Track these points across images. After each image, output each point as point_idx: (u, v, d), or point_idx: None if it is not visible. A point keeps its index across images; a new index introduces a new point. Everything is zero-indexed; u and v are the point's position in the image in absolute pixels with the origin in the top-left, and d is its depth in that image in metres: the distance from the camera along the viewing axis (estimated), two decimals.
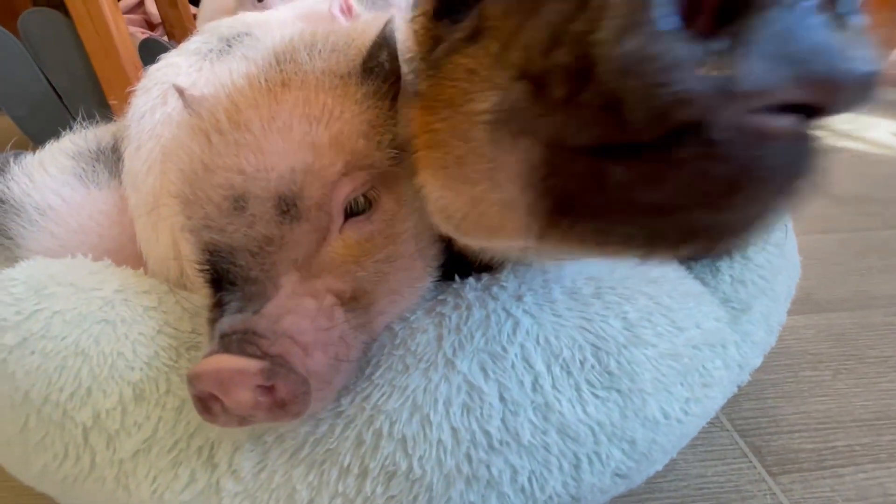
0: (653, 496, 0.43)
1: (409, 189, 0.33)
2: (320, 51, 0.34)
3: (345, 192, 0.28)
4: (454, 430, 0.30)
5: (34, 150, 0.50)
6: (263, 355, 0.24)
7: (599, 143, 0.16)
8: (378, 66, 0.32)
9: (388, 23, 0.34)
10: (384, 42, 0.33)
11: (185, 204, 0.28)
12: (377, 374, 0.31)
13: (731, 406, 0.51)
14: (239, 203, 0.26)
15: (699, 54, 0.14)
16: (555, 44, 0.16)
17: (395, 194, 0.31)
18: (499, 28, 0.20)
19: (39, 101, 1.33)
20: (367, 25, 0.44)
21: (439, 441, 0.29)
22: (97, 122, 0.56)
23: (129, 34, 1.77)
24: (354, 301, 0.29)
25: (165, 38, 1.70)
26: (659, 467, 0.39)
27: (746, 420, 0.50)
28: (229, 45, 0.56)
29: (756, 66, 0.14)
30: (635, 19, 0.14)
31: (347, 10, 0.73)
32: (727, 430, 0.49)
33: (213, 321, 0.26)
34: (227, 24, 0.61)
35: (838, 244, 0.81)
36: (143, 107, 0.46)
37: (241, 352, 0.24)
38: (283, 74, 0.30)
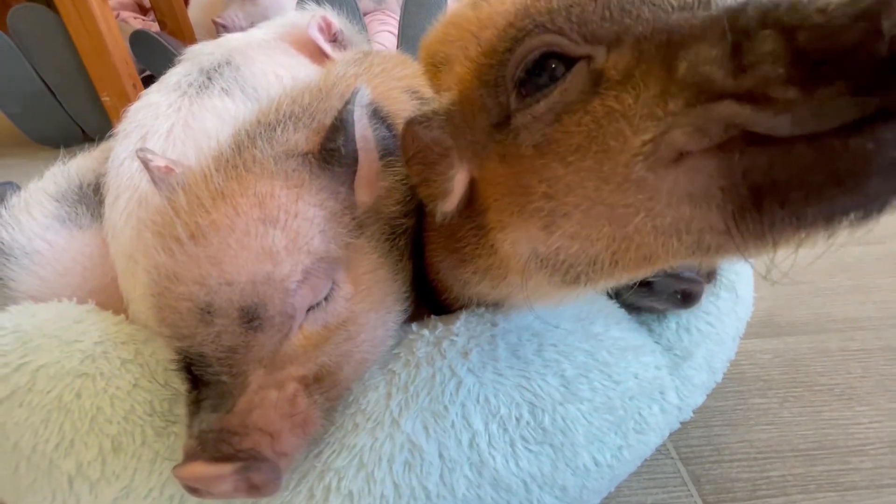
0: None
1: (364, 267, 0.35)
2: (281, 130, 0.36)
3: (307, 300, 0.31)
4: (396, 485, 0.33)
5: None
6: (237, 452, 0.28)
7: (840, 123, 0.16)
8: (336, 149, 0.34)
9: (348, 102, 0.35)
10: (341, 125, 0.34)
11: (155, 309, 0.30)
12: (329, 433, 0.35)
13: (680, 434, 0.54)
14: (205, 315, 0.28)
15: None
16: (753, 63, 0.17)
17: (352, 276, 0.34)
18: (637, 76, 0.21)
19: (33, 97, 1.33)
20: (335, 82, 0.46)
21: (382, 495, 0.33)
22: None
23: (122, 20, 1.76)
24: (319, 382, 0.32)
25: (157, 28, 1.68)
26: (596, 502, 0.43)
27: (692, 448, 0.53)
28: (209, 78, 0.58)
29: None
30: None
31: (326, 28, 0.73)
32: (672, 459, 0.52)
33: (192, 412, 0.30)
34: (209, 52, 0.63)
35: (810, 261, 0.83)
36: (123, 153, 0.48)
37: (217, 452, 0.27)
38: (238, 169, 0.32)
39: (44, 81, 1.33)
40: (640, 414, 0.41)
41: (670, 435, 0.55)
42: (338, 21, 0.76)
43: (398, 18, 1.38)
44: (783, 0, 0.17)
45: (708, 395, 0.51)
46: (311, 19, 0.71)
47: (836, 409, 0.57)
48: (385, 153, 0.42)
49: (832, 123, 0.16)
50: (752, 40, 0.17)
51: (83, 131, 1.42)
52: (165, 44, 1.44)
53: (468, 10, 0.60)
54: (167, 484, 0.34)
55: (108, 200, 0.46)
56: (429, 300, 0.46)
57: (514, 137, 0.26)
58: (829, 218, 0.17)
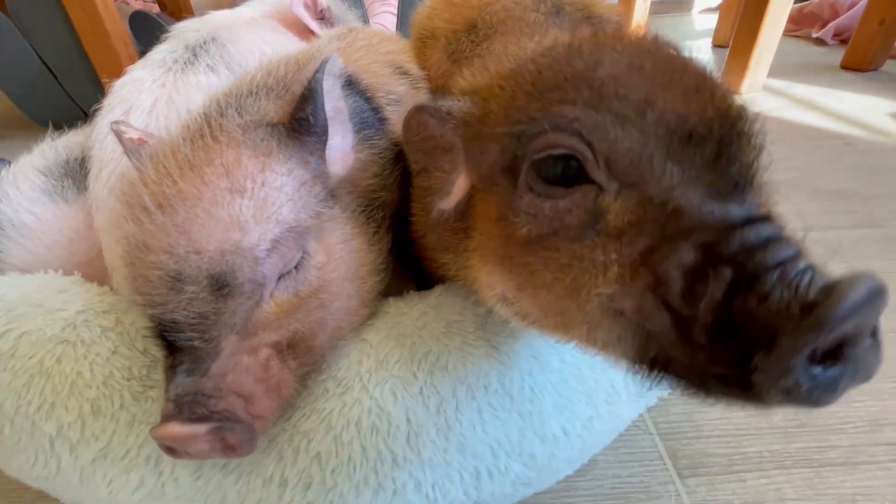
0: (569, 494, 0.47)
1: (337, 237, 0.36)
2: (253, 100, 0.36)
3: (276, 268, 0.31)
4: (363, 448, 0.34)
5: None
6: (211, 414, 0.28)
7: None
8: (304, 118, 0.34)
9: (317, 71, 0.35)
10: (310, 94, 0.34)
11: (129, 278, 0.31)
12: (300, 398, 0.35)
13: (659, 410, 0.54)
14: (175, 283, 0.29)
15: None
16: (702, 295, 0.21)
17: (324, 245, 0.34)
18: (628, 235, 0.24)
19: (34, 79, 1.34)
20: (313, 55, 0.46)
21: (349, 458, 0.34)
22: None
23: (122, 1, 1.75)
24: (292, 347, 0.33)
25: (157, 9, 1.68)
26: (568, 472, 0.43)
27: (670, 424, 0.54)
28: (194, 55, 0.58)
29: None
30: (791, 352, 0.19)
31: (312, 5, 0.73)
32: (650, 434, 0.53)
33: (169, 377, 0.30)
34: (194, 29, 0.63)
35: (806, 245, 0.82)
36: (106, 127, 0.48)
37: (192, 414, 0.28)
38: (206, 139, 0.32)
39: (44, 63, 1.33)
40: (612, 386, 0.41)
41: (650, 411, 0.55)
42: None
43: None
44: (769, 254, 0.21)
45: None
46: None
47: None
48: (362, 126, 0.42)
49: (713, 371, 0.22)
50: (714, 276, 0.21)
51: (84, 112, 1.43)
52: (165, 25, 1.43)
53: None
54: (143, 445, 0.35)
55: (93, 173, 0.47)
56: (413, 267, 0.46)
57: (515, 212, 0.28)
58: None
